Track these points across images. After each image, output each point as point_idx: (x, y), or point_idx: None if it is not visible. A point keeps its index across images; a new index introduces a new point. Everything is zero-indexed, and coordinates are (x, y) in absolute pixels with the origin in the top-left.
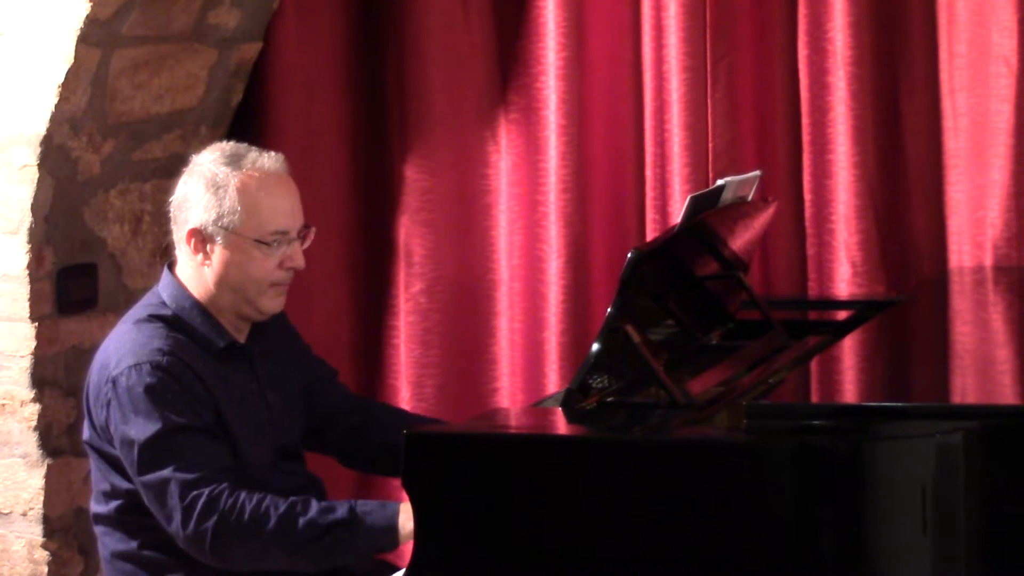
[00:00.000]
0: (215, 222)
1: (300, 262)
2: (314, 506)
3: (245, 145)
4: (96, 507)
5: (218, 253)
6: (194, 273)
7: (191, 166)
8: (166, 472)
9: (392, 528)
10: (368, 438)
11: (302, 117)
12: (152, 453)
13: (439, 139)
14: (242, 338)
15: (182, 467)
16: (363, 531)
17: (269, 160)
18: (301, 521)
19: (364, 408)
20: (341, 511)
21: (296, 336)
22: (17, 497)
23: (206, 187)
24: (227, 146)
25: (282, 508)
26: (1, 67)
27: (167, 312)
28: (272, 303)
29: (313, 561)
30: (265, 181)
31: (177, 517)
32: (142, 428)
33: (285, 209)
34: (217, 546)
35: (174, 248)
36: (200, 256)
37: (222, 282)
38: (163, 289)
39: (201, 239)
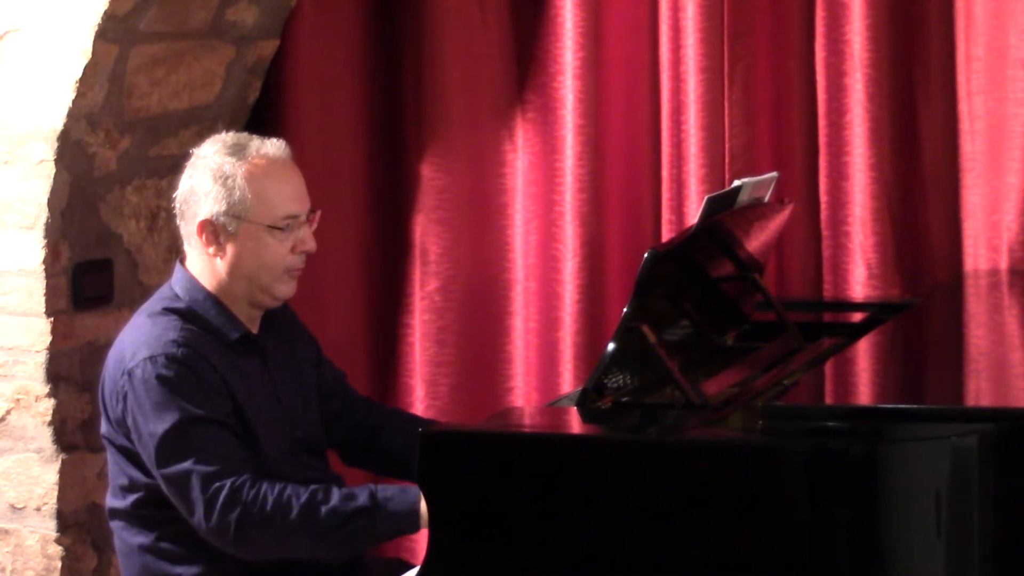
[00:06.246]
0: (226, 212)
1: (312, 245)
2: (335, 493)
3: (245, 134)
4: (113, 502)
5: (231, 243)
6: (206, 265)
7: (193, 160)
8: (186, 464)
9: (414, 512)
10: (371, 445)
11: (319, 115)
12: (171, 445)
13: (455, 138)
14: (255, 328)
15: (202, 459)
16: (385, 516)
17: (272, 147)
18: (323, 509)
19: (370, 412)
20: (363, 498)
21: (309, 335)
22: (31, 492)
23: (213, 178)
24: (227, 137)
25: (304, 497)
26: (19, 62)
27: (180, 305)
28: (286, 288)
29: (336, 547)
30: (271, 168)
31: (199, 509)
32: (160, 420)
33: (294, 194)
34: (241, 537)
35: (183, 243)
36: (212, 247)
37: (236, 271)
38: (176, 283)
39: (213, 230)
